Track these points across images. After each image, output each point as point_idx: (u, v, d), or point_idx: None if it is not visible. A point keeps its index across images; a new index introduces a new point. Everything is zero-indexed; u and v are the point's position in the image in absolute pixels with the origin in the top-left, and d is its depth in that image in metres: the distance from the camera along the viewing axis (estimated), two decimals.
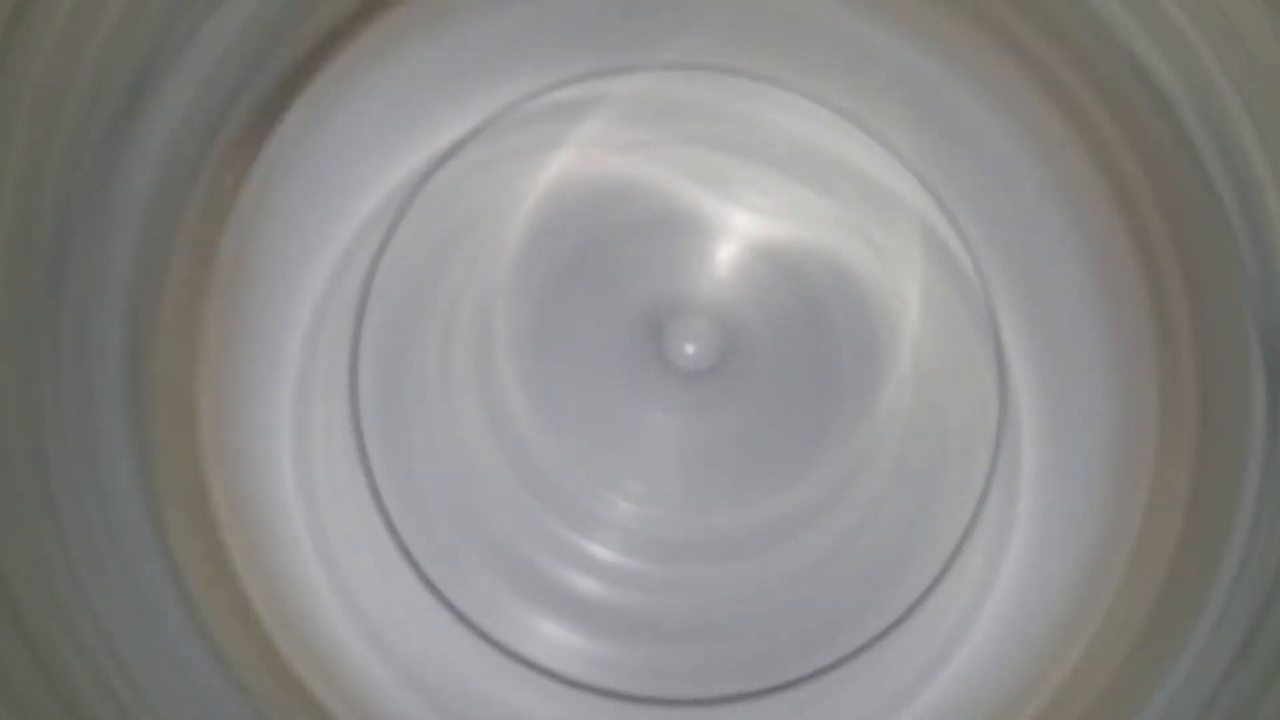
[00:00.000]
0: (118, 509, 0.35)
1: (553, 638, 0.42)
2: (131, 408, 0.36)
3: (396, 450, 0.42)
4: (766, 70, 0.43)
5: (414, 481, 0.42)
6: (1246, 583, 0.36)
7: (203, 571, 0.37)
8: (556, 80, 0.43)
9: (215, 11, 0.36)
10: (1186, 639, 0.37)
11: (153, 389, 0.37)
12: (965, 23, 0.41)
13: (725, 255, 0.43)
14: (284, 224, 0.41)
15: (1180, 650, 0.37)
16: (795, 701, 0.41)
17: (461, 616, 0.41)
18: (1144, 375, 0.40)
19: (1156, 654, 0.37)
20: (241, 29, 0.37)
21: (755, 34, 0.43)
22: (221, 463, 0.39)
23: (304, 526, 0.41)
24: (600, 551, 0.42)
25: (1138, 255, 0.40)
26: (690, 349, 0.43)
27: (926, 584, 0.42)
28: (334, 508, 0.41)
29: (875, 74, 0.43)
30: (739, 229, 0.44)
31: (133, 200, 0.36)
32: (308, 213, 0.41)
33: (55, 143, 0.33)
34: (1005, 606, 0.41)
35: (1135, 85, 0.38)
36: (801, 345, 0.43)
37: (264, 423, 0.41)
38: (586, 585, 0.42)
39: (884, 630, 0.42)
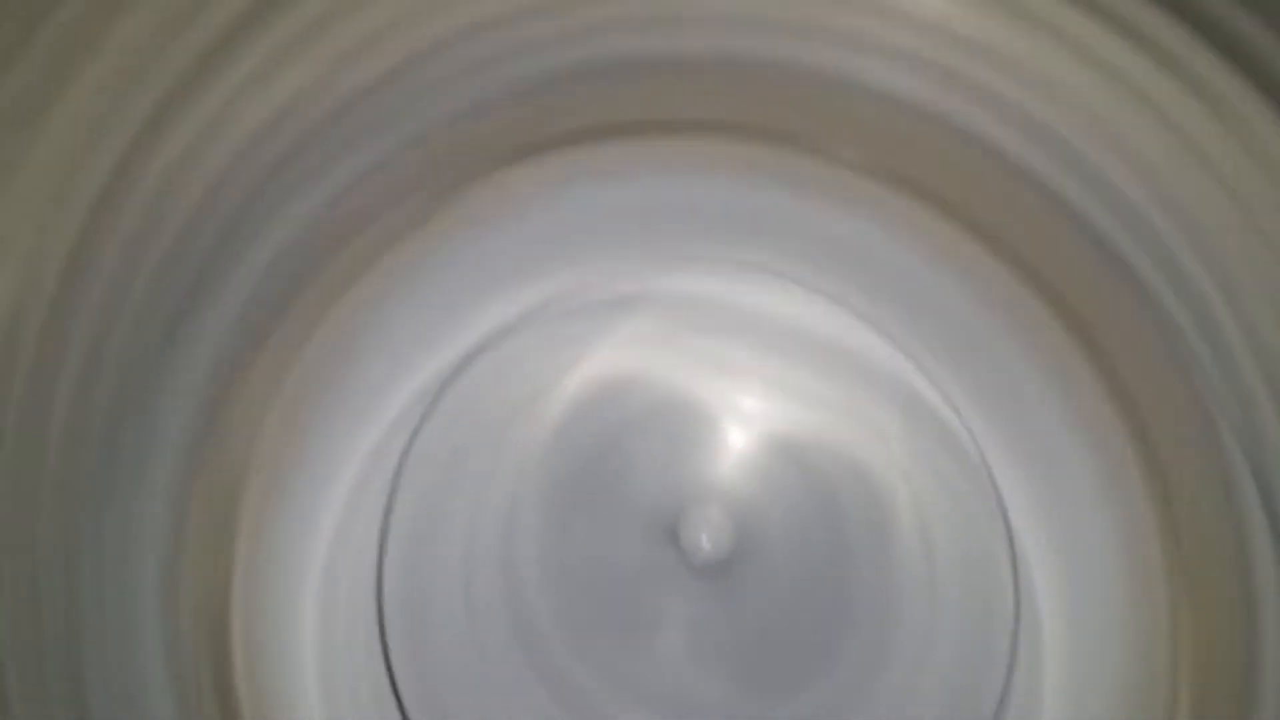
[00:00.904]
0: (148, 708, 0.36)
1: None
2: (166, 609, 0.37)
3: (419, 651, 0.42)
4: (774, 264, 0.45)
5: (435, 682, 0.42)
6: None
7: None
8: (568, 286, 0.45)
9: (261, 232, 0.39)
10: None
11: (187, 590, 0.38)
12: (960, 227, 0.43)
13: (736, 446, 0.45)
14: (320, 418, 0.42)
15: None
16: None
17: None
18: (1149, 543, 0.40)
19: None
20: (298, 229, 0.39)
21: (762, 230, 0.45)
22: (249, 669, 0.40)
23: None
24: None
25: (1136, 441, 0.41)
26: (705, 543, 0.43)
27: None
28: (356, 707, 0.41)
29: (879, 271, 0.44)
30: (749, 420, 0.45)
31: (184, 392, 0.37)
32: (338, 414, 0.43)
33: (107, 358, 0.35)
34: None
35: (1133, 297, 0.40)
36: (815, 534, 0.43)
37: (291, 629, 0.42)
38: None
39: None
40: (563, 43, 0.40)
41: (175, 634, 0.36)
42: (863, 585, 0.43)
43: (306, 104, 0.38)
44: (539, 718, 0.42)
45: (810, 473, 0.44)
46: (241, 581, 0.40)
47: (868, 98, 0.41)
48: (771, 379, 0.45)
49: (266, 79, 0.37)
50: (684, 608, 0.43)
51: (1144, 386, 0.41)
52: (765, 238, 0.45)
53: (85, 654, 0.34)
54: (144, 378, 0.36)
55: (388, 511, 0.43)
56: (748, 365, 0.45)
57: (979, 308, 0.43)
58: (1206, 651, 0.38)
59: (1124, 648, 0.40)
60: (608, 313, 0.45)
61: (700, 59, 0.41)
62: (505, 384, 0.44)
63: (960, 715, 0.42)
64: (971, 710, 0.42)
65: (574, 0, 0.40)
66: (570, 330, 0.45)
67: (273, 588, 0.41)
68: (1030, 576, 0.43)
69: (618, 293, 0.45)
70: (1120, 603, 0.41)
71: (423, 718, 0.41)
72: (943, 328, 0.44)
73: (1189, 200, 0.38)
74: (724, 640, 0.43)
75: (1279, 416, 0.38)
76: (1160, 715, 0.39)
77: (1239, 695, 0.37)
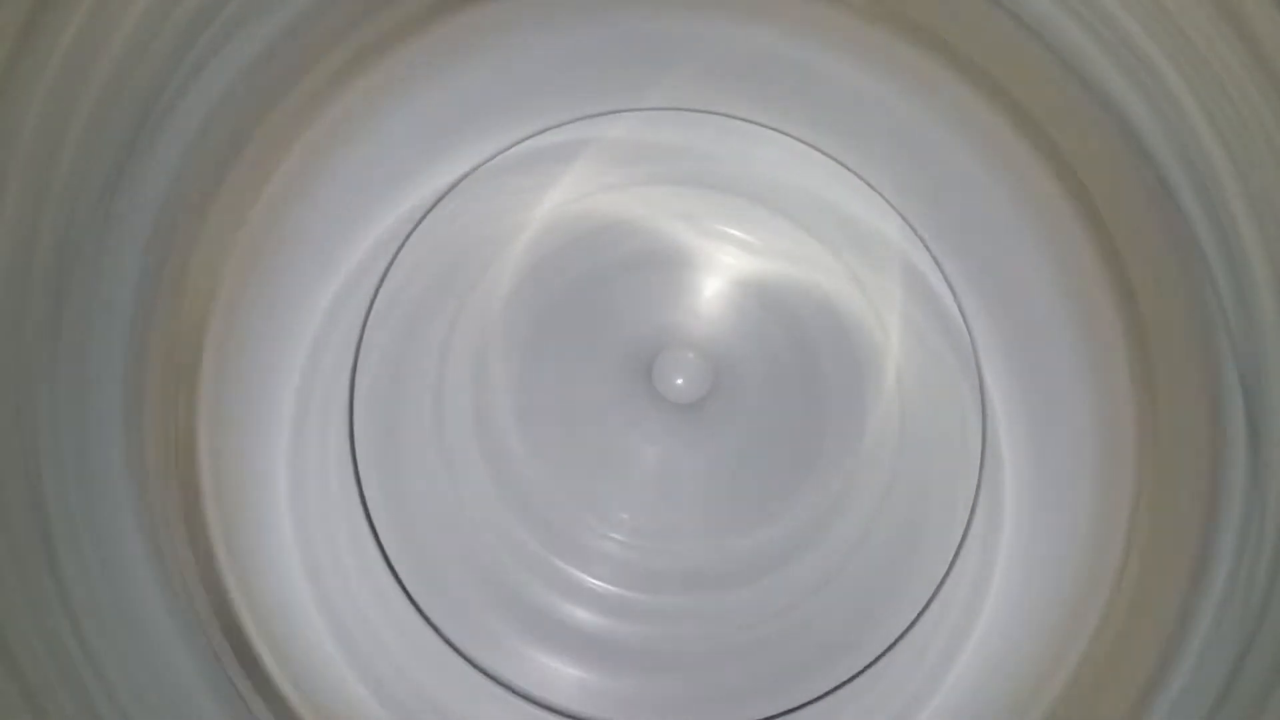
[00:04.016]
0: (115, 551, 0.35)
1: (549, 669, 0.42)
2: (130, 444, 0.36)
3: (392, 485, 0.42)
4: (751, 111, 0.44)
5: (409, 516, 0.42)
6: (1230, 614, 0.36)
7: (199, 603, 0.38)
8: (546, 124, 0.44)
9: (216, 55, 0.37)
10: (1171, 669, 0.37)
11: (151, 423, 0.37)
12: (949, 67, 0.42)
13: (712, 291, 0.44)
14: (280, 267, 0.41)
15: (1165, 680, 0.37)
16: None
17: (458, 650, 0.42)
18: (1122, 404, 0.40)
19: (1141, 685, 0.37)
20: (239, 75, 0.38)
21: (740, 77, 0.44)
22: (219, 499, 0.40)
23: (299, 558, 0.41)
24: (593, 583, 0.43)
25: (1117, 294, 0.41)
26: (679, 382, 0.43)
27: (916, 609, 0.42)
28: (330, 542, 0.42)
29: (860, 114, 0.44)
30: (726, 265, 0.45)
31: (133, 238, 0.36)
32: (305, 254, 0.42)
33: (55, 178, 0.34)
34: (993, 630, 0.42)
35: (1115, 131, 0.39)
36: (788, 378, 0.44)
37: (261, 461, 0.42)
38: (580, 616, 0.43)
39: (875, 657, 0.42)
40: None
41: (142, 483, 0.36)
42: (833, 426, 0.44)
43: None
44: (511, 548, 0.43)
45: (785, 317, 0.44)
46: (209, 407, 0.40)
47: None
48: (747, 225, 0.45)
49: None
50: (656, 443, 0.44)
51: (1134, 246, 0.40)
52: (745, 82, 0.43)
53: (49, 500, 0.34)
54: (90, 224, 0.35)
55: (358, 351, 0.43)
56: (723, 212, 0.45)
57: (966, 154, 0.43)
58: (1167, 515, 0.39)
59: (1086, 506, 0.41)
60: (569, 159, 0.44)
61: None
62: (471, 228, 0.44)
63: (921, 553, 0.43)
64: (931, 548, 0.43)
65: None
66: (534, 176, 0.44)
67: (242, 414, 0.41)
68: (998, 428, 0.43)
69: (574, 139, 0.44)
70: (1087, 462, 0.41)
71: (399, 554, 0.42)
72: (926, 175, 0.44)
73: (1190, 33, 0.37)
74: (696, 474, 0.44)
75: (1271, 276, 0.37)
76: (1121, 559, 0.40)
77: (1193, 561, 0.38)
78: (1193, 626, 0.37)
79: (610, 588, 0.43)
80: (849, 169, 0.44)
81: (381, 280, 0.43)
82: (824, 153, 0.44)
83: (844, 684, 0.42)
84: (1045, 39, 0.39)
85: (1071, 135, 0.40)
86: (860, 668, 0.42)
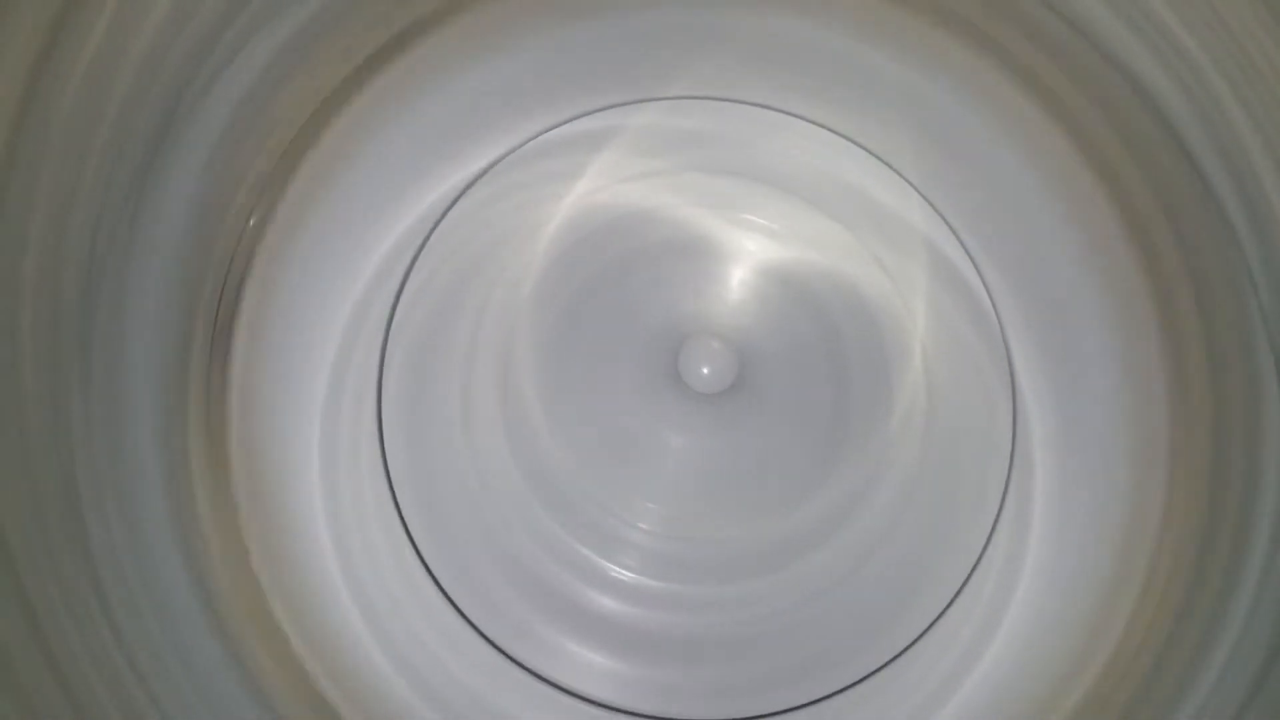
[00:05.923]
0: (145, 534, 0.36)
1: (576, 657, 0.42)
2: (161, 429, 0.37)
3: (420, 475, 0.43)
4: (776, 99, 0.44)
5: (437, 505, 0.43)
6: (1263, 604, 0.36)
7: (231, 595, 0.38)
8: (572, 114, 0.44)
9: (243, 47, 0.37)
10: (1201, 662, 0.36)
11: (182, 410, 0.38)
12: (973, 49, 0.41)
13: (738, 279, 0.44)
14: (309, 257, 0.42)
15: (1195, 675, 0.36)
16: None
17: (486, 637, 0.42)
18: (1154, 390, 0.40)
19: (1170, 680, 0.37)
20: (266, 66, 0.38)
21: (762, 65, 0.44)
22: (250, 487, 0.40)
23: (330, 547, 0.41)
24: (620, 572, 0.43)
25: (1146, 274, 0.40)
26: (705, 371, 0.43)
27: (946, 597, 0.42)
28: (360, 533, 0.42)
29: (884, 100, 0.43)
30: (751, 253, 0.44)
31: (160, 242, 0.37)
32: (333, 245, 0.43)
33: (81, 189, 0.34)
34: (1025, 615, 0.41)
35: (1141, 108, 0.38)
36: (814, 365, 0.43)
37: (292, 452, 0.42)
38: (606, 605, 0.43)
39: (904, 647, 0.42)
40: None
41: (173, 468, 0.37)
42: (860, 413, 0.43)
43: None
44: (538, 537, 0.43)
45: (811, 303, 0.44)
46: (241, 396, 0.40)
47: None
48: (771, 212, 0.45)
49: None
50: (682, 432, 0.43)
51: (1162, 224, 0.39)
52: (767, 69, 0.43)
53: (81, 484, 0.34)
54: (119, 218, 0.35)
55: (385, 341, 0.43)
56: (746, 199, 0.45)
57: (989, 135, 0.42)
58: (1202, 499, 0.38)
59: (1119, 489, 0.40)
60: (595, 149, 0.44)
61: None
62: (498, 218, 0.44)
63: (949, 545, 0.42)
64: (960, 539, 0.42)
65: None
66: (560, 165, 0.44)
67: (273, 403, 0.42)
68: (1028, 409, 0.43)
69: (601, 128, 0.44)
70: (1119, 443, 0.40)
71: (427, 543, 0.42)
72: (950, 157, 0.43)
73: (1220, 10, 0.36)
74: (722, 463, 0.44)
75: None
76: (1153, 549, 0.39)
77: (1228, 545, 0.37)
78: (1226, 617, 0.36)
79: (637, 576, 0.43)
80: (873, 154, 0.44)
81: (409, 271, 0.44)
82: (848, 138, 0.44)
83: (872, 674, 0.42)
84: (1070, 19, 0.38)
85: (1098, 114, 0.39)
86: (889, 657, 0.42)
